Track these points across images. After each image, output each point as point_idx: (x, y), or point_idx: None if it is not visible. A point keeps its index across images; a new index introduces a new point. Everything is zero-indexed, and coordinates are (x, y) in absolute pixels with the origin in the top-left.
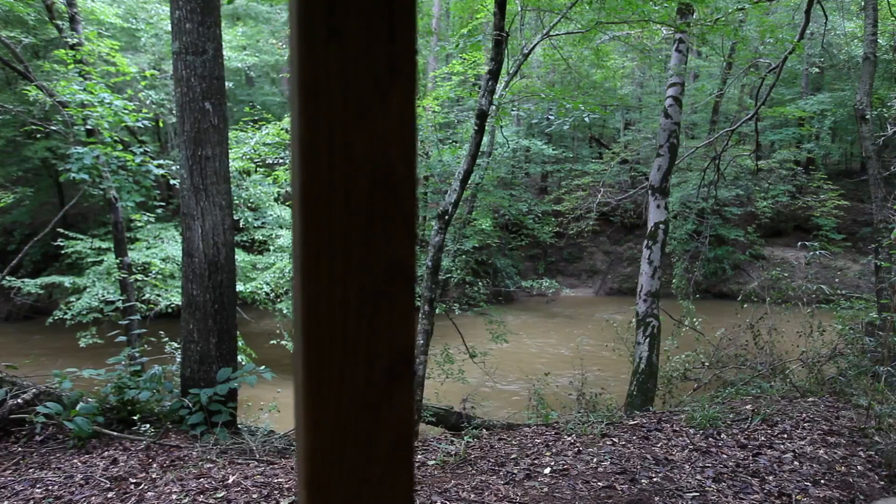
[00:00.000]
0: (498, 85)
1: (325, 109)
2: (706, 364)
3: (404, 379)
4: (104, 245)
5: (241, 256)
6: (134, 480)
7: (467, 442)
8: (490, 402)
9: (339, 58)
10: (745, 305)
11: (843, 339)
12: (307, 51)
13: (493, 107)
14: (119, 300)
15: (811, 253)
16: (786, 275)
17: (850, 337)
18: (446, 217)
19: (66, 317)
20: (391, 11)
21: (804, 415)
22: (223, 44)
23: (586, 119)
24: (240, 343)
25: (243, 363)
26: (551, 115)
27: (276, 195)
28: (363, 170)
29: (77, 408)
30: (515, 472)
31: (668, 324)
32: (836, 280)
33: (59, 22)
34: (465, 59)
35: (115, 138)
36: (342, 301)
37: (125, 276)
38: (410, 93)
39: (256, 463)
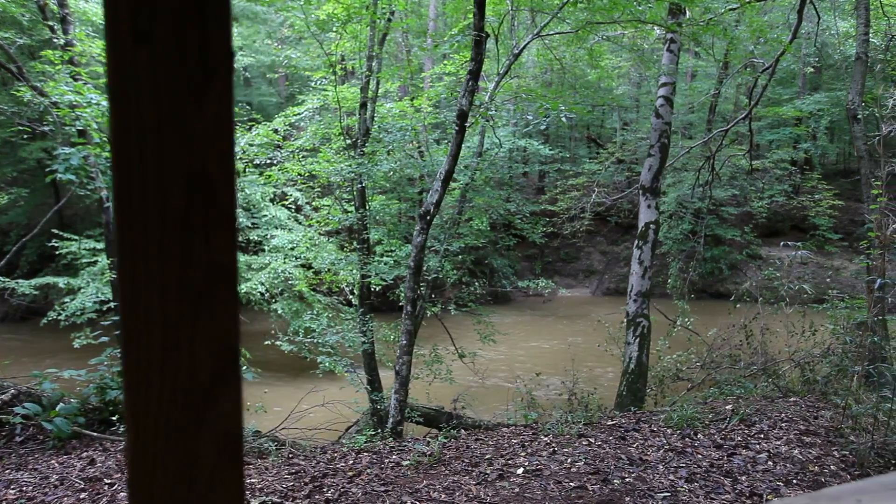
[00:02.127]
0: (489, 85)
1: (136, 113)
2: (699, 364)
3: (230, 380)
4: (99, 246)
5: None
6: (108, 481)
7: (443, 442)
8: (483, 403)
9: (149, 60)
10: (739, 305)
11: (837, 340)
12: (115, 54)
13: (483, 106)
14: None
15: (795, 253)
16: (778, 274)
17: (841, 337)
18: (428, 217)
19: (60, 318)
20: (203, 13)
21: (783, 415)
22: None
23: (564, 119)
24: None
25: (240, 364)
26: (529, 115)
27: (271, 195)
28: (177, 173)
29: (57, 408)
30: (488, 472)
31: (663, 324)
32: (829, 280)
33: (52, 23)
34: (456, 59)
35: (105, 139)
36: (161, 302)
37: (116, 276)
38: (226, 95)
39: None
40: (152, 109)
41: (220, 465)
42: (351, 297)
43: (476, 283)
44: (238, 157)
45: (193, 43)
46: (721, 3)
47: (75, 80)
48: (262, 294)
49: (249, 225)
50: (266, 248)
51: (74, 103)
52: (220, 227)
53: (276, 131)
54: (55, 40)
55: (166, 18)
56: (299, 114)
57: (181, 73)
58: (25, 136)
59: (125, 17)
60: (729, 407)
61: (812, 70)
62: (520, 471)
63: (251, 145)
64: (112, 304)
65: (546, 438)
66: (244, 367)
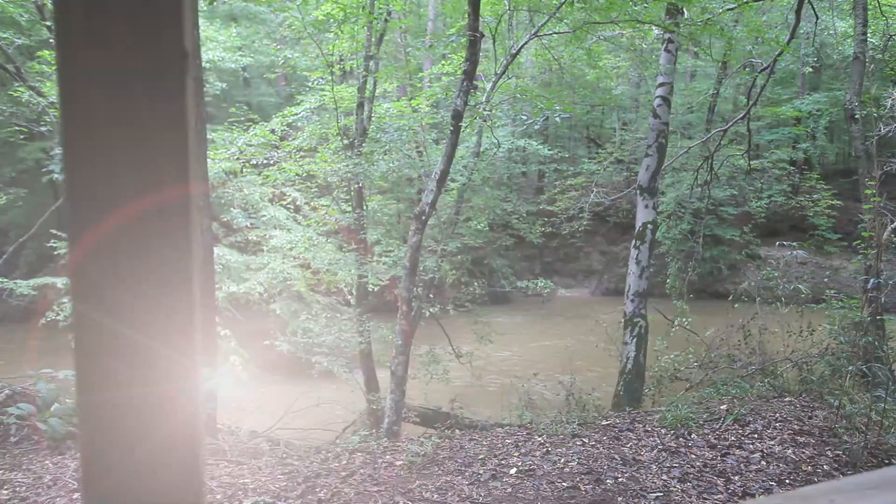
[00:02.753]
0: (488, 85)
1: (88, 114)
2: (697, 364)
3: (187, 385)
4: None
5: (234, 257)
6: None
7: (436, 442)
8: (481, 403)
9: (103, 62)
10: (737, 305)
11: (834, 340)
12: (67, 55)
13: (479, 106)
14: None
15: (792, 253)
16: (776, 274)
17: (837, 337)
18: (423, 217)
19: (58, 318)
20: (156, 13)
21: (777, 414)
22: (218, 44)
23: (558, 119)
24: (232, 344)
25: (236, 364)
26: (524, 115)
27: (269, 195)
28: (129, 172)
29: (52, 409)
30: (481, 472)
31: (661, 323)
32: (827, 279)
33: (50, 23)
34: (454, 59)
35: None
36: (116, 304)
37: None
38: (180, 94)
39: (226, 463)
40: (103, 108)
41: (178, 469)
42: (349, 297)
43: (475, 284)
44: (236, 158)
45: (148, 42)
46: (719, 3)
47: None
48: (260, 294)
49: (248, 225)
50: (265, 248)
51: None
52: (177, 229)
53: (273, 131)
54: (51, 40)
55: (119, 18)
56: (297, 114)
57: (133, 73)
58: (23, 137)
59: (78, 16)
60: (724, 407)
61: (811, 70)
62: (512, 471)
63: (249, 145)
64: None
65: (540, 439)
66: (241, 368)
